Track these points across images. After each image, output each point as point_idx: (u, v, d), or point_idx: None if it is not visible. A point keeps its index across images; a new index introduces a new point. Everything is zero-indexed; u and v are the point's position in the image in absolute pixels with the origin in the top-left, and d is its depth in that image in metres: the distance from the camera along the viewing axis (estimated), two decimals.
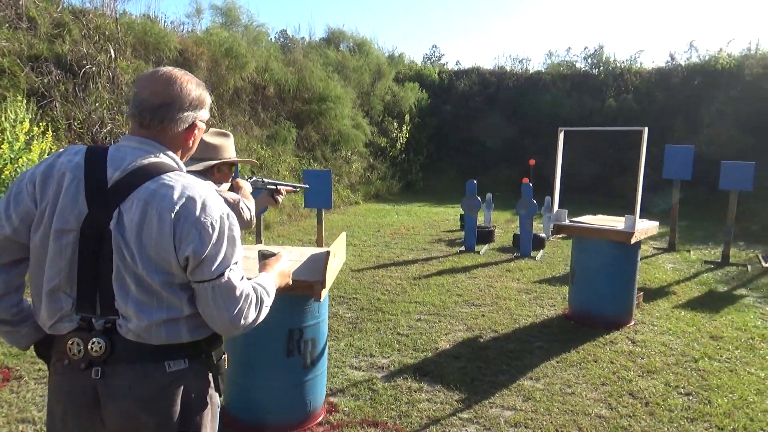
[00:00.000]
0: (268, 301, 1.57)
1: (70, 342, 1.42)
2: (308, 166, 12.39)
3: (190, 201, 1.40)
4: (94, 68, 8.32)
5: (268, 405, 3.19)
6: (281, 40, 18.50)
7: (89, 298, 1.43)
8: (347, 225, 10.43)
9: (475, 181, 8.59)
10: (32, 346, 1.58)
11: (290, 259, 2.26)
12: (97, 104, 8.08)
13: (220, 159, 2.55)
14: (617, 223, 5.22)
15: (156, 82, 1.48)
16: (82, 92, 8.06)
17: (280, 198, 2.90)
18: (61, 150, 1.55)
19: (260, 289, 1.55)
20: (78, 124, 7.70)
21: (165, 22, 11.62)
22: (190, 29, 12.20)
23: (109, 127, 7.92)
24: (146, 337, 1.41)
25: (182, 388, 1.47)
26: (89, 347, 1.40)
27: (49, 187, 1.44)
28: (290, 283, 1.89)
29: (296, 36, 17.57)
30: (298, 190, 2.65)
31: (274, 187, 2.74)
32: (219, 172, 2.62)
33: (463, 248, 8.37)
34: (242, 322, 1.47)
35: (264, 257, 1.85)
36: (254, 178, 2.46)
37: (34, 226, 1.44)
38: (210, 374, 1.56)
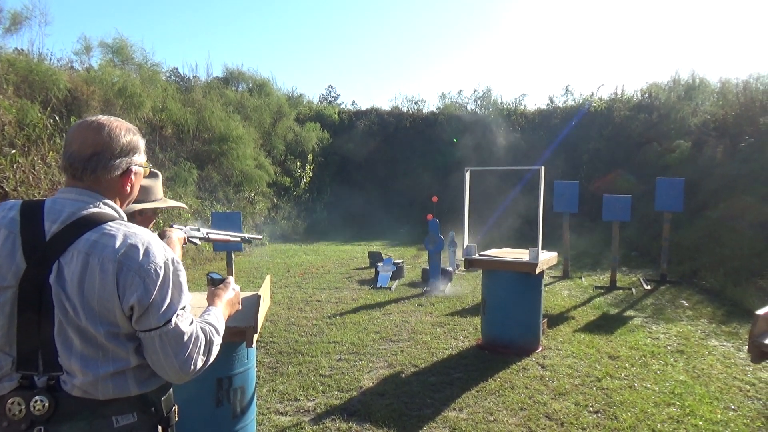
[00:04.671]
0: (218, 339, 1.56)
1: (10, 402, 1.35)
2: (211, 208, 12.04)
3: (133, 249, 1.39)
4: None
5: None
6: (172, 78, 18.05)
7: (30, 356, 1.37)
8: (255, 266, 10.21)
9: (437, 220, 8.53)
10: None
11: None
12: None
13: (144, 201, 2.44)
14: (521, 255, 5.57)
15: (84, 133, 1.47)
16: None
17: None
18: None
19: (209, 328, 1.54)
20: None
21: (52, 59, 10.99)
22: (86, 67, 11.57)
23: None
24: (92, 392, 1.37)
25: None
26: (31, 406, 1.34)
27: None
28: (240, 308, 1.89)
29: (190, 75, 17.22)
30: (251, 240, 2.54)
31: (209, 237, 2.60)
32: (141, 215, 2.50)
33: (427, 288, 8.27)
34: (192, 368, 1.45)
35: (213, 282, 1.83)
36: (189, 227, 2.33)
37: None
38: (160, 427, 1.52)
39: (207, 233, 2.31)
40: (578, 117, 17.11)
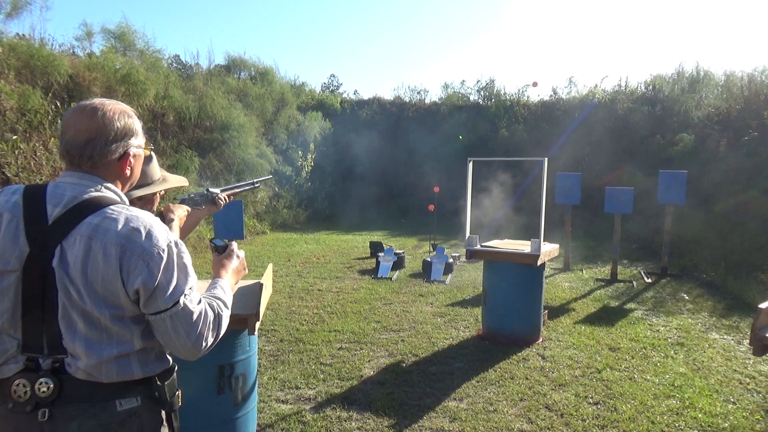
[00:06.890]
0: (227, 312, 1.58)
1: (15, 384, 1.37)
2: None
3: (135, 232, 1.39)
4: None
5: None
6: (174, 65, 17.97)
7: (35, 338, 1.38)
8: (256, 255, 10.22)
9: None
10: None
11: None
12: None
13: (142, 186, 2.40)
14: (523, 246, 5.56)
15: (78, 119, 1.46)
16: None
17: (221, 203, 2.71)
18: None
19: (216, 303, 1.55)
20: None
21: (53, 45, 10.93)
22: (87, 53, 11.51)
23: None
24: (96, 374, 1.38)
25: (134, 427, 1.43)
26: (36, 388, 1.35)
27: None
28: (246, 273, 1.91)
29: (192, 62, 17.13)
30: (257, 185, 2.54)
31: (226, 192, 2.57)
32: (140, 200, 2.47)
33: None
34: (204, 344, 1.47)
35: (216, 249, 1.83)
36: (199, 192, 2.31)
37: None
38: (163, 412, 1.53)
39: (212, 192, 2.29)
40: (585, 112, 17.00)
